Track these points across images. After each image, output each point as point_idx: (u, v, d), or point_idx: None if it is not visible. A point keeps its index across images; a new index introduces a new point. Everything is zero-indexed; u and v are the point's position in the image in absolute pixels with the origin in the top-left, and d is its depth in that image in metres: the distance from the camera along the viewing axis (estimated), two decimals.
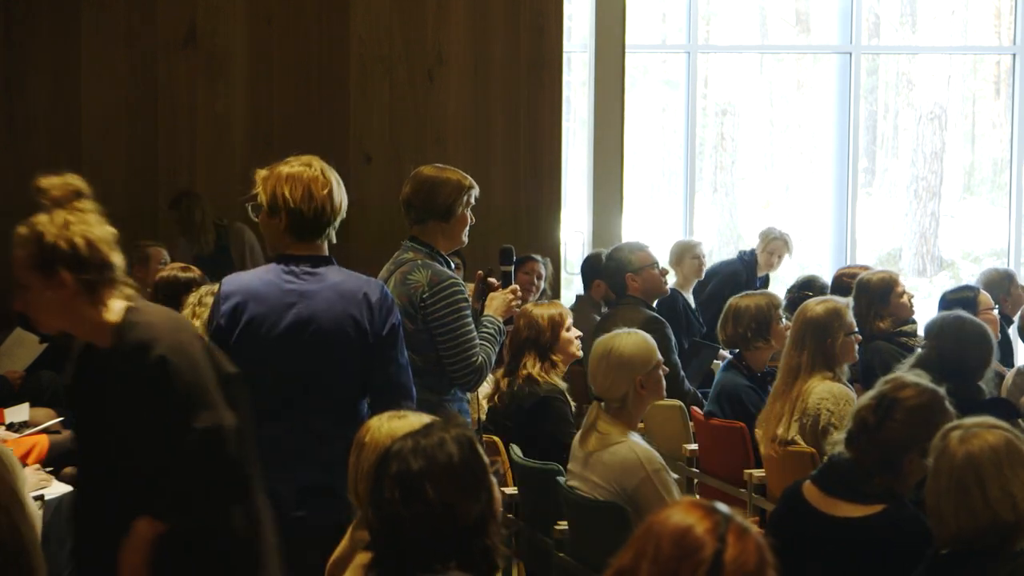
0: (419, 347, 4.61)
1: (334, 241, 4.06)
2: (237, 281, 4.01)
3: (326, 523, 3.74)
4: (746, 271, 9.07)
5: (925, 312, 6.27)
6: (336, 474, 3.57)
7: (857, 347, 5.33)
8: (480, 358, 4.62)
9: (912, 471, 3.59)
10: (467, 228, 4.81)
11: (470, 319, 4.64)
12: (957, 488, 3.13)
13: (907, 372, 4.29)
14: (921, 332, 5.64)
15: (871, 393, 3.72)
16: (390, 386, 3.98)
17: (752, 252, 9.17)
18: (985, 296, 6.31)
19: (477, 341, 4.64)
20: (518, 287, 4.94)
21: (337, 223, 4.05)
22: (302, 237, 3.99)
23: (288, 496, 3.83)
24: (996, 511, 3.11)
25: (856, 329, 5.32)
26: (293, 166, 4.00)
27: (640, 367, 4.52)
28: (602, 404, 4.55)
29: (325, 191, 3.99)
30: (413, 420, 3.18)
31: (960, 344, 5.08)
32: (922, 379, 3.72)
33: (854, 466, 3.62)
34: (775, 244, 9.12)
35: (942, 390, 3.67)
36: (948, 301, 6.31)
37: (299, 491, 3.86)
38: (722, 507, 2.22)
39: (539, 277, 7.88)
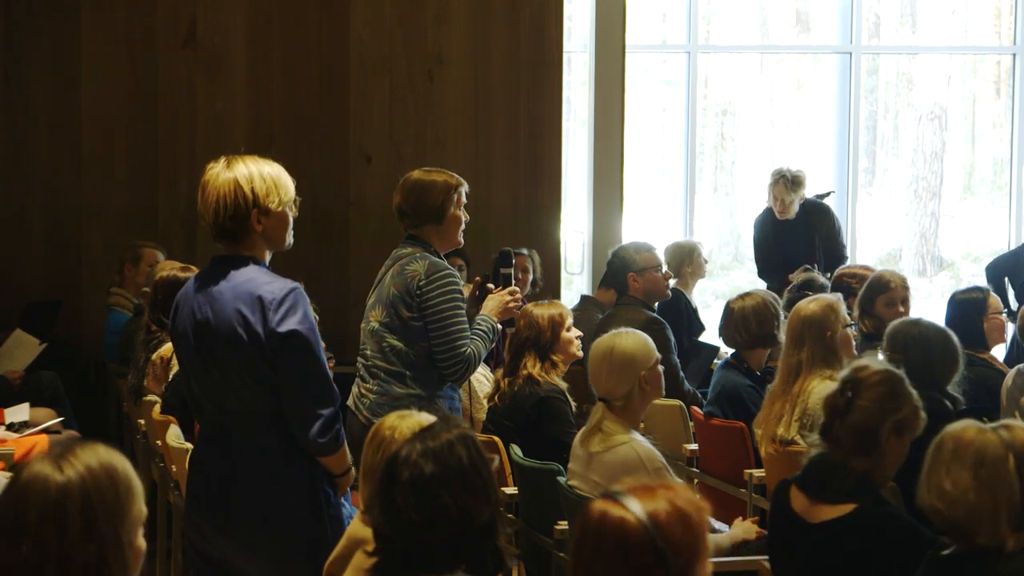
0: (411, 337, 4.66)
1: None
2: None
3: None
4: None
5: (925, 313, 6.27)
6: None
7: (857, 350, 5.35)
8: (469, 350, 4.66)
9: (890, 451, 3.60)
10: (462, 227, 4.85)
11: (463, 311, 4.70)
12: (959, 467, 3.13)
13: (863, 357, 4.34)
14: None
15: (835, 383, 3.75)
16: None
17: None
18: (995, 299, 6.28)
19: (468, 333, 4.67)
20: (517, 289, 4.97)
21: None
22: None
23: None
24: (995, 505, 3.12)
25: (851, 322, 5.36)
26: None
27: (642, 364, 4.58)
28: (606, 404, 4.58)
29: None
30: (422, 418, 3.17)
31: (927, 357, 5.07)
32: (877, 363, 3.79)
33: (831, 459, 3.63)
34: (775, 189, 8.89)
35: (900, 372, 3.70)
36: (957, 302, 6.29)
37: None
38: (631, 502, 2.28)
39: (524, 271, 7.86)
